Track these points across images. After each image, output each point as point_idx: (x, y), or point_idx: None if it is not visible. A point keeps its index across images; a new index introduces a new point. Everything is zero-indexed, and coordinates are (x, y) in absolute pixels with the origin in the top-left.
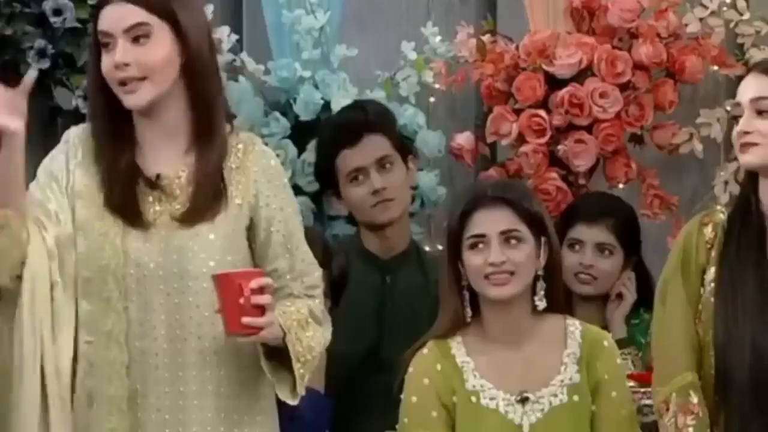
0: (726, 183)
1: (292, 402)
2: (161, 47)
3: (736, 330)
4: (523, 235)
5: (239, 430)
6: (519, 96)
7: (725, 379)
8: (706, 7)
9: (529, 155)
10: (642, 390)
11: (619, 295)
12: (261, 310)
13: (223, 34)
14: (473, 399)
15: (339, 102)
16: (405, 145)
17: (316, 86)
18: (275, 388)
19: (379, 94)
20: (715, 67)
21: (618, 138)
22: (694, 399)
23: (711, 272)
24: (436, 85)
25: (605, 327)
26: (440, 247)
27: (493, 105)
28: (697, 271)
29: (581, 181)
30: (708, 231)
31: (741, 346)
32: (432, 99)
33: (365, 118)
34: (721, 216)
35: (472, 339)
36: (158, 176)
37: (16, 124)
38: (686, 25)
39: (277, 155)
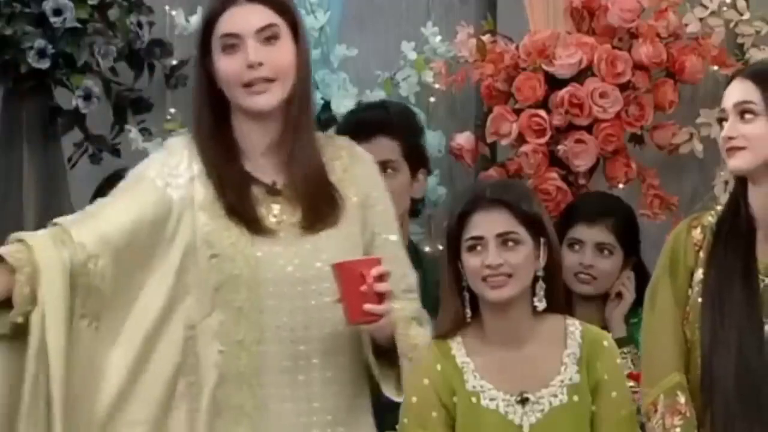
0: (726, 183)
1: (398, 399)
2: (288, 49)
3: (722, 332)
4: (521, 237)
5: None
6: (519, 96)
7: (711, 381)
8: (706, 7)
9: (529, 155)
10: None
11: (619, 295)
12: (381, 297)
13: None
14: (473, 399)
15: (339, 102)
16: (419, 157)
17: (317, 86)
18: (381, 385)
19: (379, 94)
20: (715, 67)
21: (618, 138)
22: (682, 399)
23: (699, 274)
24: (436, 85)
25: (605, 327)
26: (441, 247)
27: (493, 105)
28: (685, 272)
29: (581, 181)
30: (696, 233)
31: (727, 349)
32: (432, 99)
33: (382, 119)
34: (710, 219)
35: (472, 339)
36: (274, 183)
37: None
38: (686, 25)
39: None
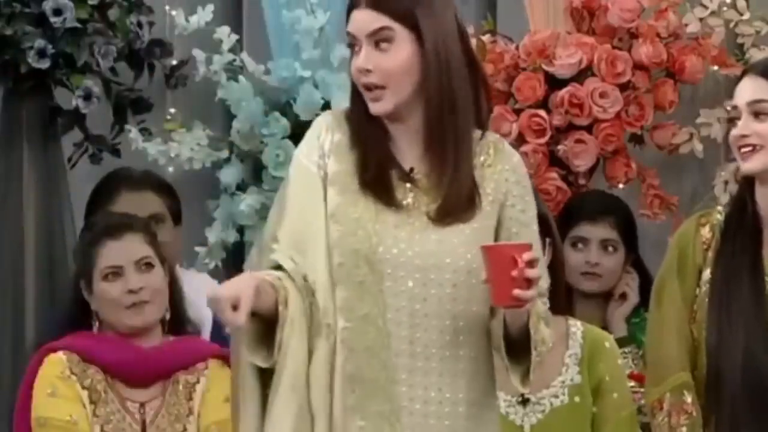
0: (726, 183)
1: (524, 390)
2: (401, 54)
3: (729, 332)
4: None
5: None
6: (519, 96)
7: (717, 381)
8: (706, 7)
9: (529, 155)
10: (642, 390)
11: (623, 296)
12: (529, 283)
13: (223, 34)
14: None
15: (339, 102)
16: None
17: (316, 86)
18: (510, 374)
19: None
20: (715, 67)
21: (618, 138)
22: (688, 399)
23: (707, 273)
24: None
25: (605, 326)
26: None
27: (494, 105)
28: (693, 271)
29: (581, 181)
30: (705, 231)
31: (733, 348)
32: None
33: None
34: (719, 217)
35: None
36: (411, 169)
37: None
38: (686, 25)
39: (277, 155)
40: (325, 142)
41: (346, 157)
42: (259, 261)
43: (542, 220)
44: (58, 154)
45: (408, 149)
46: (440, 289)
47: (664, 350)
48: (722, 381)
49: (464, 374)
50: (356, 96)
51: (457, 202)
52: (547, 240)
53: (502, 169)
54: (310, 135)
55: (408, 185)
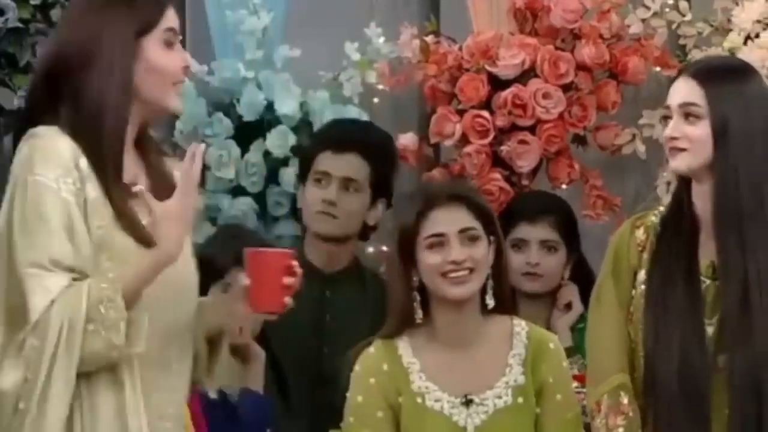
0: (668, 183)
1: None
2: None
3: (665, 333)
4: (480, 233)
5: None
6: (462, 97)
7: (654, 381)
8: (648, 8)
9: (472, 156)
10: (585, 391)
11: (567, 305)
12: (288, 290)
13: None
14: (419, 400)
15: (282, 102)
16: (385, 187)
17: (260, 87)
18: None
19: (322, 95)
20: (658, 68)
21: (561, 139)
22: (625, 400)
23: (642, 275)
24: (380, 86)
25: (549, 327)
26: (384, 248)
27: (437, 106)
28: (628, 273)
29: (524, 182)
30: (640, 233)
31: (669, 349)
32: (375, 100)
33: (362, 138)
34: (653, 219)
35: (419, 339)
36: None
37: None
38: (629, 26)
39: (221, 156)
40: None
41: None
42: None
43: (489, 218)
44: (1, 154)
45: None
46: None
47: (602, 352)
48: (658, 381)
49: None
50: None
51: None
52: (491, 238)
53: None
54: None
55: None
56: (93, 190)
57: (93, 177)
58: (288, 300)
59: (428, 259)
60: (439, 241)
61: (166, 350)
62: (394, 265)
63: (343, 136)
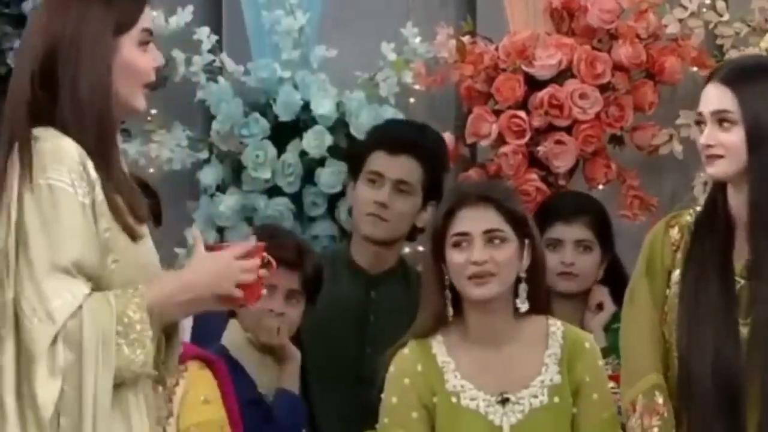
0: (705, 183)
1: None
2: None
3: (698, 333)
4: (507, 236)
5: None
6: (498, 97)
7: (688, 382)
8: (685, 8)
9: (508, 156)
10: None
11: (599, 306)
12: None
13: (203, 35)
14: (453, 399)
15: (318, 103)
16: (436, 190)
17: (296, 87)
18: None
19: (358, 95)
20: (695, 68)
21: (598, 139)
22: (660, 400)
23: (676, 274)
24: (416, 86)
25: (584, 327)
26: (420, 248)
27: (473, 106)
28: (662, 272)
29: (561, 182)
30: (674, 233)
31: (703, 349)
32: (412, 100)
33: (416, 140)
34: (688, 218)
35: (453, 338)
36: None
37: None
38: (666, 26)
39: (257, 156)
40: None
41: None
42: None
43: (521, 220)
44: None
45: None
46: None
47: (637, 352)
48: (693, 381)
49: None
50: None
51: None
52: (526, 241)
53: None
54: None
55: None
56: (99, 192)
57: (98, 179)
58: (264, 291)
59: (453, 257)
60: (463, 240)
61: None
62: (427, 263)
63: (399, 137)
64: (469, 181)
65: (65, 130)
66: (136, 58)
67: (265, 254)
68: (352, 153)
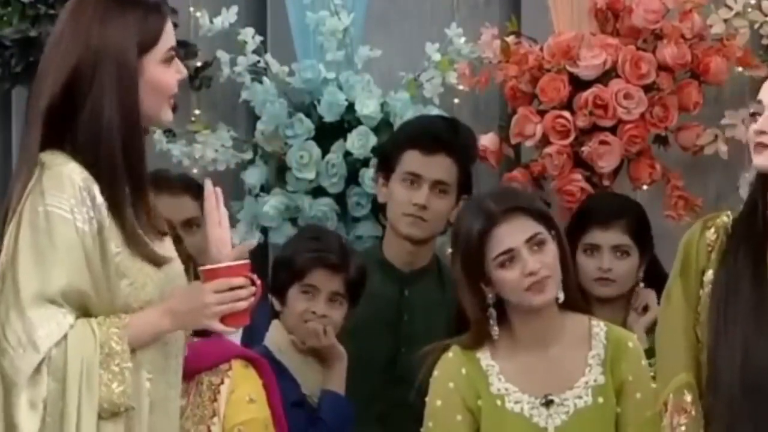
0: (751, 185)
1: None
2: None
3: (728, 333)
4: (544, 236)
5: None
6: (543, 97)
7: (716, 382)
8: (730, 8)
9: (553, 156)
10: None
11: (645, 308)
12: None
13: (248, 36)
14: (498, 403)
15: (363, 103)
16: (468, 184)
17: (340, 87)
18: None
19: (403, 96)
20: (740, 68)
21: (642, 139)
22: (688, 398)
23: (710, 274)
24: (460, 87)
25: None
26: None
27: (517, 106)
28: (696, 273)
29: (605, 183)
30: (710, 233)
31: (732, 349)
32: (456, 100)
33: (450, 138)
34: (725, 219)
35: (498, 345)
36: None
37: None
38: (710, 26)
39: (301, 157)
40: None
41: None
42: None
43: (547, 215)
44: None
45: None
46: None
47: (670, 351)
48: (720, 382)
49: None
50: None
51: None
52: (552, 233)
53: None
54: None
55: None
56: (107, 216)
57: (105, 203)
58: (247, 319)
59: (505, 276)
60: (510, 258)
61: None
62: (462, 286)
63: (433, 136)
64: (513, 181)
65: (75, 154)
66: (161, 76)
67: (249, 274)
68: (383, 150)
